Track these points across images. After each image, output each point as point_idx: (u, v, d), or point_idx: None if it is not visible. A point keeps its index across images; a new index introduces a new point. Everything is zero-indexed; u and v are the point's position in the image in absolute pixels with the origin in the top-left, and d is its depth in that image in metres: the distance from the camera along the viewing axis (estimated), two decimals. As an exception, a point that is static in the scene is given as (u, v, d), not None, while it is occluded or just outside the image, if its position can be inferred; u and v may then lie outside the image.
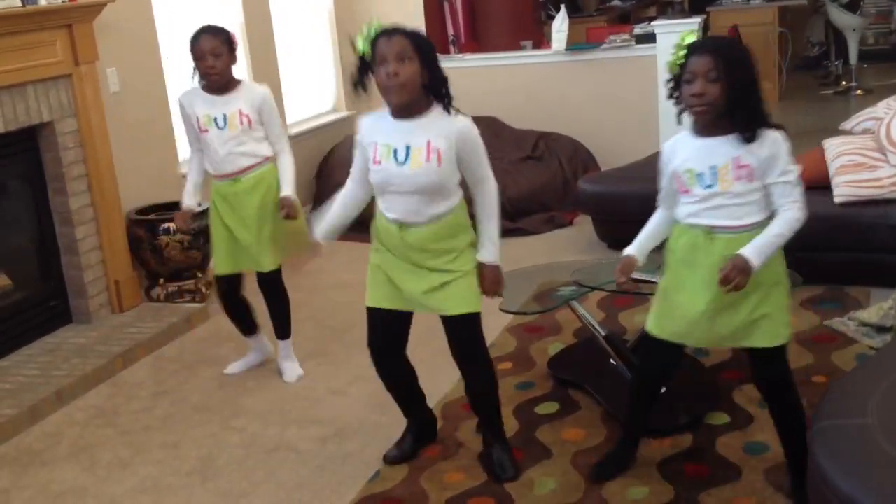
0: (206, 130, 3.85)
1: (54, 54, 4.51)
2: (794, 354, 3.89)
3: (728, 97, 2.60)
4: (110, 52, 4.93)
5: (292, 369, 4.18)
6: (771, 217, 2.69)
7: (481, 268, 3.06)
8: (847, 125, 5.12)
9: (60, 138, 4.61)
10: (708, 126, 2.68)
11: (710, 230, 2.72)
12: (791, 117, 8.94)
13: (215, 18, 5.91)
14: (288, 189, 3.94)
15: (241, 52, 6.18)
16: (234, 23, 6.19)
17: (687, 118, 2.72)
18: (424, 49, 2.88)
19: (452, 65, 7.31)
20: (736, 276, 2.60)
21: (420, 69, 2.86)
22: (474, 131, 2.96)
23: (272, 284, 4.07)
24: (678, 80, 2.69)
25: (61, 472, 3.57)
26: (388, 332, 3.22)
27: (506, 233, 5.97)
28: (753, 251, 2.62)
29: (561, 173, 6.50)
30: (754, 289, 2.70)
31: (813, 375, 3.70)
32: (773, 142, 2.64)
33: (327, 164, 6.67)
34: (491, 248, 3.05)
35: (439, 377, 3.89)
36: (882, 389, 2.56)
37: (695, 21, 6.97)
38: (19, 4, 4.30)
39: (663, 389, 3.54)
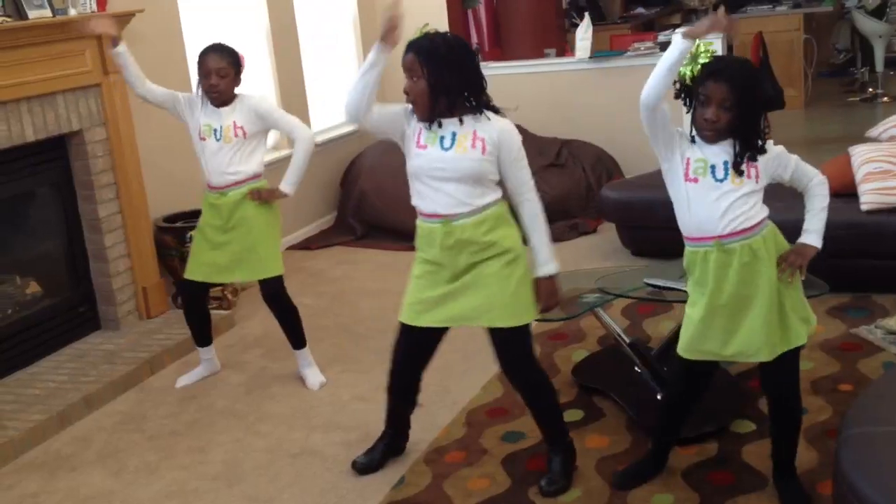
0: (205, 139, 3.91)
1: (84, 64, 4.56)
2: (821, 362, 3.87)
3: (737, 124, 2.68)
4: (138, 62, 4.96)
5: (314, 376, 4.21)
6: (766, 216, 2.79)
7: (536, 282, 3.05)
8: (873, 132, 5.09)
9: (90, 147, 4.66)
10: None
11: (721, 242, 2.74)
12: (817, 124, 8.90)
13: (242, 27, 5.99)
14: (285, 183, 3.97)
15: (267, 60, 6.29)
16: (260, 32, 6.25)
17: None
18: (433, 63, 2.88)
19: (476, 73, 7.35)
20: (794, 259, 2.78)
21: (427, 86, 2.89)
22: (517, 136, 2.98)
23: (275, 296, 4.11)
24: (689, 92, 2.72)
25: (89, 477, 3.61)
26: (420, 347, 3.23)
27: (530, 240, 6.03)
28: (811, 235, 2.83)
29: (584, 180, 6.51)
30: (784, 291, 2.78)
31: (840, 383, 3.68)
32: (770, 147, 2.77)
33: (351, 171, 6.71)
34: (543, 260, 3.05)
35: (465, 382, 3.91)
36: (909, 397, 2.55)
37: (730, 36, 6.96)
38: (50, 15, 4.36)
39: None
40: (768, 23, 9.25)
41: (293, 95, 6.50)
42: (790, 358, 2.84)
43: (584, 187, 6.47)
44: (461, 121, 2.95)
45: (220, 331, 4.87)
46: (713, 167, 2.73)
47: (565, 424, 3.29)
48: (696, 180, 2.75)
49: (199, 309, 4.26)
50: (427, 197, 3.01)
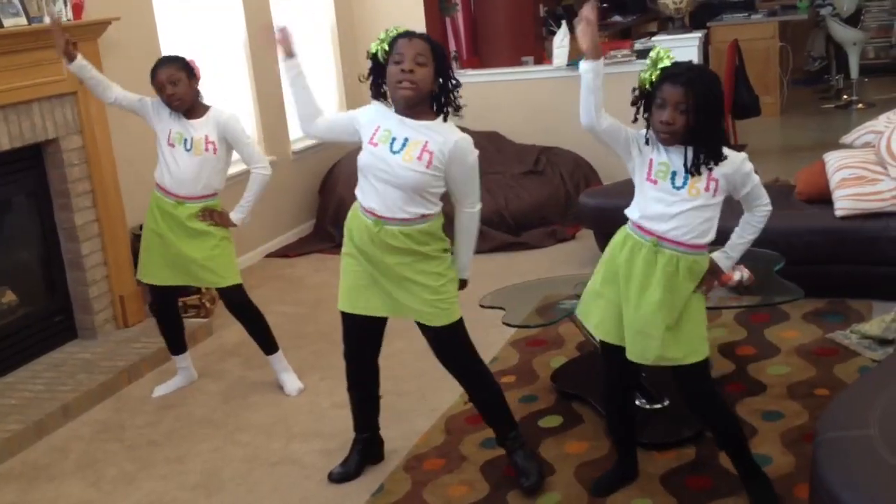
0: (174, 146, 3.91)
1: (60, 72, 4.53)
2: (797, 367, 3.90)
3: (693, 128, 2.69)
4: (115, 70, 4.94)
5: (292, 381, 4.20)
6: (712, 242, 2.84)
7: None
8: (848, 139, 5.14)
9: (66, 155, 4.64)
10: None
11: (658, 242, 2.77)
12: (792, 132, 8.98)
13: (219, 35, 5.98)
14: (238, 212, 4.00)
15: (245, 69, 6.27)
16: (236, 39, 6.24)
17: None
18: (441, 58, 2.96)
19: (454, 80, 7.38)
20: (709, 280, 2.86)
21: (433, 76, 2.94)
22: (472, 152, 3.02)
23: (238, 303, 4.11)
24: (647, 97, 2.76)
25: (67, 487, 3.58)
26: (364, 335, 3.27)
27: (508, 247, 6.09)
28: (727, 261, 2.89)
29: (563, 187, 6.53)
30: (688, 306, 2.82)
31: (815, 388, 3.71)
32: (733, 159, 2.77)
33: (329, 179, 6.70)
34: (461, 267, 3.16)
35: (443, 390, 3.91)
36: (884, 401, 2.57)
37: (695, 36, 7.01)
38: (25, 23, 4.33)
39: (666, 402, 3.58)
40: (744, 31, 9.33)
41: (270, 104, 6.49)
42: (688, 374, 2.87)
43: (563, 194, 6.49)
44: (423, 128, 2.97)
45: (198, 339, 4.85)
46: (674, 173, 2.76)
47: (513, 416, 3.32)
48: (655, 182, 2.79)
49: (169, 315, 4.24)
50: (367, 192, 3.05)
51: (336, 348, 4.62)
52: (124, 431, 4.00)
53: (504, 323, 3.79)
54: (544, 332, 4.41)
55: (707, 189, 2.74)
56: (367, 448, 3.46)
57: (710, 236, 2.82)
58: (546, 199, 6.38)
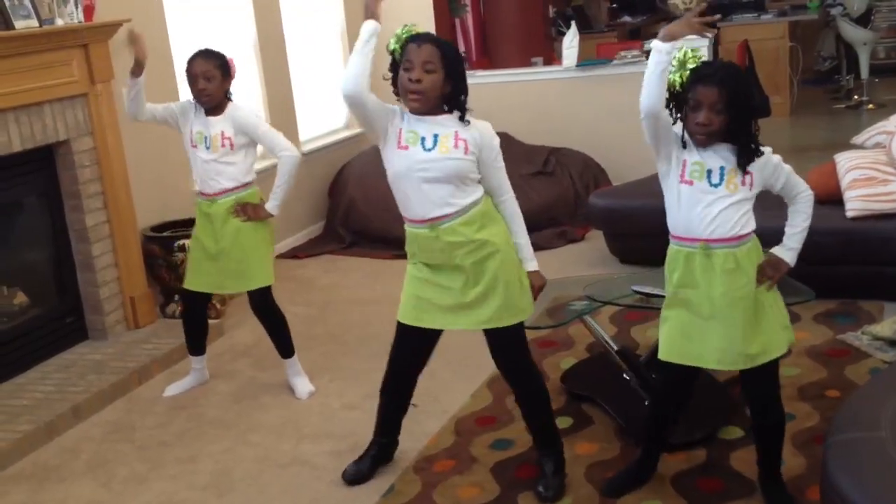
0: (196, 146, 3.92)
1: (71, 74, 4.56)
2: (808, 369, 3.89)
3: (730, 127, 2.69)
4: (126, 71, 4.96)
5: (303, 385, 4.21)
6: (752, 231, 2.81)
7: (529, 276, 3.13)
8: (858, 139, 5.12)
9: (77, 156, 4.65)
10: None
11: (707, 246, 2.76)
12: (802, 132, 8.95)
13: (229, 37, 6.00)
14: (272, 200, 3.97)
15: (255, 69, 6.29)
16: (247, 40, 6.25)
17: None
18: (451, 61, 2.94)
19: (464, 81, 7.38)
20: (772, 274, 2.82)
21: (443, 81, 2.92)
22: (495, 137, 3.02)
23: (263, 305, 4.11)
24: (679, 98, 2.74)
25: (78, 488, 3.60)
26: (417, 348, 3.25)
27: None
28: (789, 253, 2.87)
29: (572, 188, 6.52)
30: (763, 301, 2.79)
31: (826, 389, 3.70)
32: (765, 155, 2.78)
33: (340, 180, 6.71)
34: (528, 255, 3.14)
35: (454, 391, 3.91)
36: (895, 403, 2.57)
37: (705, 36, 6.99)
38: (37, 25, 4.35)
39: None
40: (754, 31, 9.31)
41: (281, 104, 6.50)
42: (770, 367, 2.85)
43: (572, 195, 6.49)
44: (444, 122, 2.97)
45: (210, 340, 4.82)
46: (709, 171, 2.74)
47: (558, 428, 3.30)
48: (690, 182, 2.76)
49: (198, 318, 4.26)
50: (412, 200, 3.01)
51: (346, 349, 4.66)
52: (135, 432, 4.01)
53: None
54: (554, 333, 4.41)
55: (744, 184, 2.74)
56: (381, 451, 3.46)
57: (753, 224, 2.80)
58: (555, 199, 6.37)
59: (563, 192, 6.45)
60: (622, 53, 7.13)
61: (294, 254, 6.41)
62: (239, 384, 4.38)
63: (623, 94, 7.25)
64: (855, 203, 4.54)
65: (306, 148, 6.78)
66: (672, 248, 2.87)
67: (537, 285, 3.15)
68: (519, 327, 3.12)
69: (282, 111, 6.51)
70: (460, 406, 3.87)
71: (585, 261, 5.64)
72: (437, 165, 2.94)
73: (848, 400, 2.80)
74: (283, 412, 4.05)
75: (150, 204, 5.14)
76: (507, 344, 3.14)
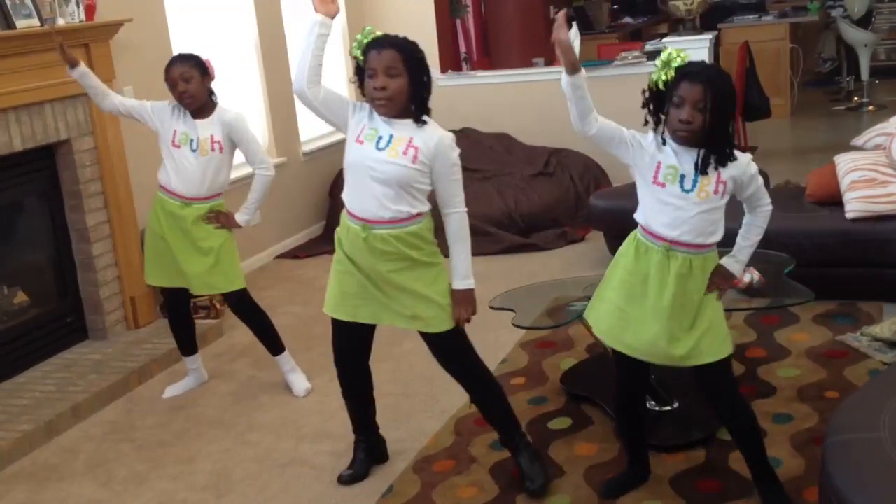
0: (179, 147, 3.91)
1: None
2: (807, 370, 3.90)
3: (710, 127, 2.69)
4: (127, 71, 4.98)
5: (299, 382, 4.21)
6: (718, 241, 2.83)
7: (452, 293, 3.09)
8: (858, 141, 5.12)
9: (77, 156, 4.66)
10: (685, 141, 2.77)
11: (670, 247, 2.77)
12: (803, 133, 8.95)
13: (230, 37, 6.00)
14: (243, 213, 3.99)
15: (256, 69, 6.29)
16: (248, 40, 6.26)
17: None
18: (414, 62, 2.93)
19: (465, 82, 7.39)
20: (722, 285, 2.85)
21: (408, 83, 2.93)
22: (454, 149, 3.01)
23: (242, 306, 4.12)
24: (660, 96, 2.74)
25: (78, 488, 3.60)
26: (352, 340, 3.27)
27: (518, 248, 6.09)
28: (736, 265, 2.89)
29: (573, 189, 6.53)
30: (704, 307, 2.82)
31: (825, 390, 3.70)
32: (740, 161, 2.77)
33: (340, 180, 6.67)
34: (462, 274, 3.08)
35: (453, 391, 3.90)
36: (894, 404, 2.57)
37: (706, 38, 7.01)
38: (38, 24, 4.36)
39: (676, 405, 3.57)
40: (754, 32, 9.31)
41: (281, 104, 6.50)
42: (714, 374, 2.86)
43: (573, 196, 6.49)
44: (408, 124, 2.97)
45: (209, 340, 4.86)
46: (683, 177, 2.75)
47: (516, 418, 3.32)
48: (663, 185, 2.77)
49: (181, 317, 4.26)
50: (354, 192, 3.03)
51: (346, 349, 4.66)
52: (135, 432, 4.01)
53: (514, 325, 3.79)
54: (554, 333, 4.41)
55: (716, 192, 2.74)
56: (369, 448, 3.47)
57: (719, 235, 2.82)
58: (556, 200, 6.38)
59: (563, 193, 6.46)
60: (623, 54, 7.14)
61: (294, 254, 6.41)
62: (238, 384, 4.39)
63: (624, 96, 7.21)
64: (855, 204, 4.54)
65: (307, 148, 6.80)
66: (637, 236, 2.88)
67: (461, 303, 3.06)
68: (451, 334, 3.10)
69: (282, 111, 6.51)
70: (459, 406, 3.87)
71: (586, 261, 5.64)
72: (382, 167, 2.95)
73: (847, 401, 2.80)
74: (283, 412, 4.05)
75: (150, 203, 5.12)
76: (442, 349, 3.18)
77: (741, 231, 2.91)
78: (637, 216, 2.89)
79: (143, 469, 3.69)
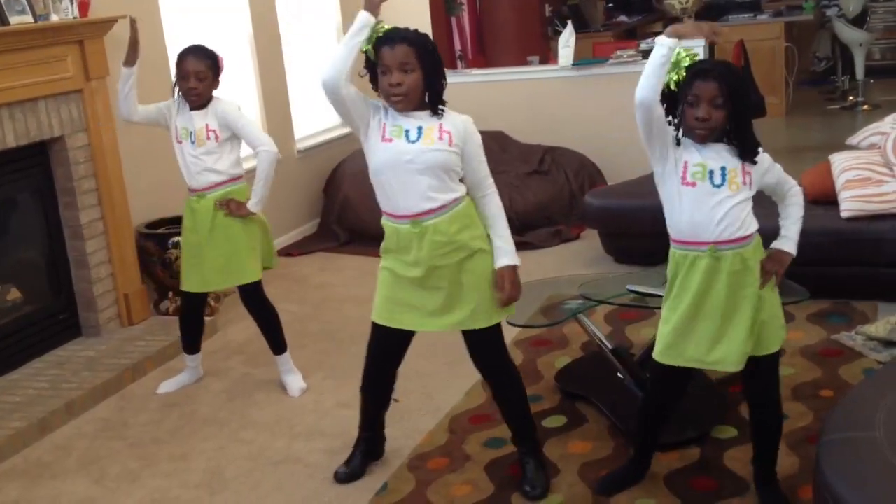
0: (181, 142, 3.92)
1: (66, 70, 4.54)
2: (802, 368, 3.90)
3: (730, 123, 2.69)
4: (121, 68, 4.96)
5: (295, 382, 4.20)
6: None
7: (499, 272, 3.04)
8: (853, 140, 5.13)
9: (71, 153, 4.64)
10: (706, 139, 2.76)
11: (716, 248, 2.75)
12: (797, 132, 8.96)
13: (225, 34, 5.99)
14: (253, 197, 3.96)
15: (250, 65, 6.28)
16: (242, 36, 6.24)
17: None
18: (427, 55, 2.92)
19: (459, 80, 7.37)
20: (775, 268, 2.84)
21: (423, 77, 2.92)
22: (477, 132, 3.03)
23: (254, 299, 4.11)
24: (673, 99, 2.74)
25: (71, 485, 3.59)
26: (392, 346, 3.25)
27: (513, 247, 6.04)
28: (789, 243, 2.89)
29: (567, 187, 6.52)
30: (764, 298, 2.80)
31: (820, 389, 3.70)
32: (762, 155, 2.79)
33: (335, 177, 6.70)
34: (507, 251, 3.06)
35: (448, 389, 3.91)
36: (889, 403, 2.57)
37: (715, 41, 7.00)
38: (31, 20, 4.34)
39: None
40: (750, 31, 9.32)
41: (276, 101, 6.49)
42: (771, 364, 2.86)
43: (567, 194, 6.49)
44: (427, 115, 2.97)
45: (203, 337, 4.83)
46: (711, 172, 2.73)
47: (534, 423, 3.32)
48: (693, 184, 2.74)
49: (195, 318, 4.25)
50: (396, 193, 2.98)
51: (340, 347, 4.65)
52: (128, 429, 4.00)
53: (508, 323, 3.77)
54: (549, 332, 4.41)
55: (744, 182, 2.74)
56: (370, 446, 3.46)
57: (756, 223, 2.80)
58: (551, 198, 6.37)
59: (558, 192, 6.46)
60: (618, 53, 7.13)
61: (288, 251, 6.40)
62: (232, 382, 4.38)
63: (619, 94, 7.24)
64: (849, 203, 4.54)
65: (301, 146, 6.78)
66: (676, 252, 2.83)
67: (508, 282, 3.04)
68: (494, 328, 3.11)
69: (277, 109, 6.50)
70: (454, 404, 3.87)
71: (580, 260, 5.64)
72: (422, 157, 2.93)
73: (842, 400, 2.81)
74: (277, 410, 4.05)
75: (144, 201, 5.13)
76: (483, 344, 3.15)
77: (782, 214, 2.92)
78: (672, 230, 2.84)
79: (136, 466, 3.68)
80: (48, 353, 4.62)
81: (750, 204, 2.78)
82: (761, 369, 2.87)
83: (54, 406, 4.06)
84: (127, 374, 4.42)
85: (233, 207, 3.94)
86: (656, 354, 2.92)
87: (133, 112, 3.98)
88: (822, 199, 4.74)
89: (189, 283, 4.09)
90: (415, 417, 3.81)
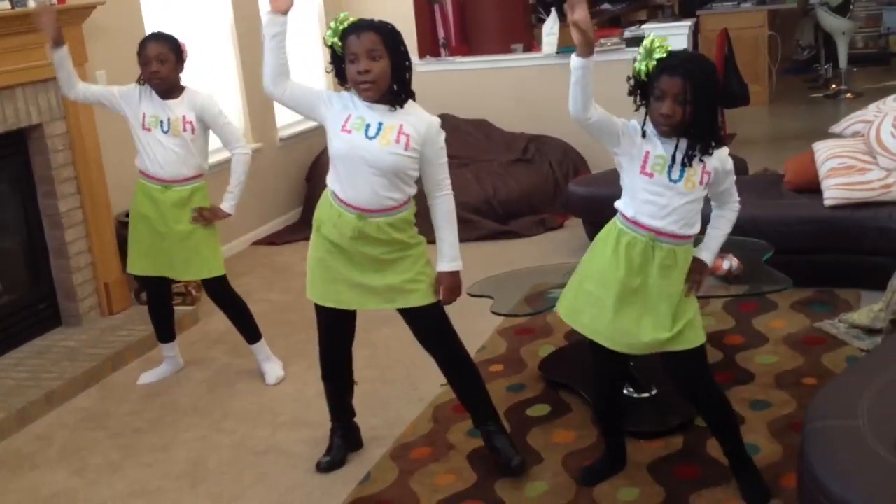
0: (150, 130, 3.86)
1: (43, 57, 4.45)
2: (785, 357, 3.90)
3: (693, 119, 2.67)
4: (99, 55, 4.91)
5: (273, 371, 4.18)
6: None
7: (439, 276, 3.09)
8: (837, 128, 5.13)
9: (50, 141, 4.59)
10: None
11: (655, 237, 2.76)
12: (781, 121, 8.98)
13: (205, 21, 5.93)
14: (227, 200, 3.95)
15: (231, 54, 6.23)
16: (224, 25, 6.19)
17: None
18: (394, 43, 2.90)
19: (443, 67, 7.35)
20: (699, 278, 2.86)
21: (390, 64, 2.89)
22: (441, 133, 3.01)
23: (221, 293, 4.09)
24: (643, 87, 2.73)
25: (51, 475, 3.56)
26: (336, 325, 3.25)
27: (496, 235, 6.07)
28: (708, 254, 2.90)
29: (551, 176, 6.51)
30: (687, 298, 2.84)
31: (803, 377, 3.71)
32: (720, 153, 2.77)
33: (318, 166, 6.66)
34: (450, 256, 3.09)
35: (429, 379, 3.89)
36: (872, 391, 2.57)
37: (685, 25, 6.99)
38: (9, 7, 4.28)
39: (654, 391, 3.57)
40: (733, 19, 9.32)
41: (257, 90, 6.37)
42: (694, 357, 2.85)
43: (551, 182, 6.48)
44: (390, 109, 2.94)
45: (184, 327, 4.82)
46: (671, 166, 2.73)
47: (493, 406, 3.31)
48: (651, 175, 2.75)
49: (161, 304, 4.22)
50: (346, 181, 2.99)
51: (323, 336, 4.63)
52: (109, 419, 3.97)
53: (492, 312, 3.77)
54: (532, 320, 4.40)
55: (701, 182, 2.74)
56: (346, 434, 3.45)
57: (699, 226, 2.82)
58: (535, 187, 6.36)
59: (542, 180, 6.44)
60: (602, 41, 7.10)
61: (271, 240, 6.37)
62: (214, 371, 4.35)
63: (603, 82, 7.18)
64: (833, 192, 4.55)
65: (283, 134, 6.74)
66: (616, 226, 2.85)
67: (447, 285, 3.08)
68: (434, 307, 3.11)
69: (258, 97, 6.44)
70: (438, 393, 3.85)
71: (565, 248, 5.63)
72: (375, 156, 2.92)
73: (825, 388, 2.80)
74: (259, 399, 4.02)
75: (124, 189, 5.06)
76: (421, 324, 3.16)
77: (712, 222, 2.93)
78: (620, 205, 2.85)
79: (118, 457, 3.65)
80: (28, 343, 4.59)
81: (700, 205, 2.78)
82: (681, 367, 2.88)
83: (34, 396, 4.02)
84: (108, 363, 4.39)
85: (207, 216, 3.93)
86: (562, 313, 2.97)
87: (71, 90, 3.89)
88: (805, 187, 4.74)
89: (135, 267, 4.06)
90: (397, 406, 3.79)
